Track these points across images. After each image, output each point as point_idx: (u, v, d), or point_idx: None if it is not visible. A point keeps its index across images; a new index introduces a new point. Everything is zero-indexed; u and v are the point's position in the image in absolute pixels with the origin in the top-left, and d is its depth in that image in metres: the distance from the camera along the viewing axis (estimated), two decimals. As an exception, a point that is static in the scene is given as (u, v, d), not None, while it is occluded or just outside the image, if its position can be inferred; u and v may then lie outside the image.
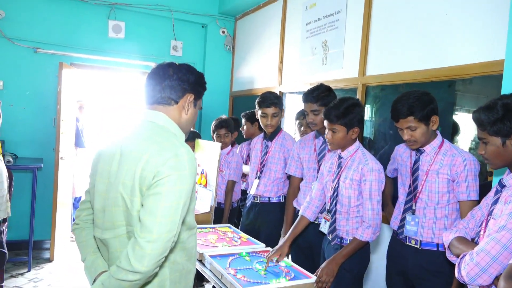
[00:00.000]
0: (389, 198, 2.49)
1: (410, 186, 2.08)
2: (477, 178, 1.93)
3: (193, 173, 1.31)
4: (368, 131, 3.27)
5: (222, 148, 3.51)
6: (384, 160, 2.94)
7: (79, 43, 4.74)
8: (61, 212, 4.38)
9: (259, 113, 3.00)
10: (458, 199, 1.96)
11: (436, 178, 1.98)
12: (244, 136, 3.77)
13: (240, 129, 3.81)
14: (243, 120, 3.73)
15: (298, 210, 2.64)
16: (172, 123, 1.42)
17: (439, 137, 2.04)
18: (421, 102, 1.92)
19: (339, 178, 2.21)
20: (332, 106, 2.13)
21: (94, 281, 1.33)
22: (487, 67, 2.26)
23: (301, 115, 3.11)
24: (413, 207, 2.05)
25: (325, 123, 2.17)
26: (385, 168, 2.31)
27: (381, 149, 3.08)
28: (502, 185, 1.51)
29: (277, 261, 2.23)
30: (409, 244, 2.04)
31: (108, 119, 6.80)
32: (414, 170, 2.07)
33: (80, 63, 4.82)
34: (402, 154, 2.19)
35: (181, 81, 1.42)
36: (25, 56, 4.48)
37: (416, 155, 2.07)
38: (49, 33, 4.58)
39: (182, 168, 1.26)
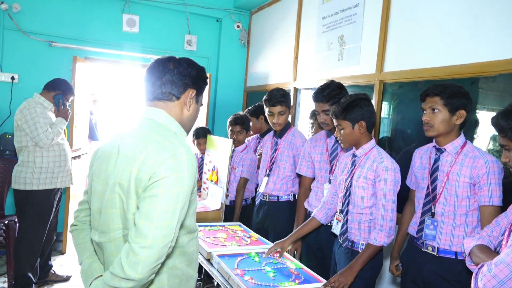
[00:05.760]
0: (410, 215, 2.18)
1: (428, 188, 1.98)
2: (500, 182, 1.81)
3: (193, 175, 1.23)
4: (385, 129, 3.16)
5: (236, 145, 3.45)
6: (407, 159, 2.83)
7: (94, 37, 4.73)
8: (75, 205, 4.39)
9: (266, 111, 2.94)
10: (479, 204, 1.85)
11: (456, 181, 1.87)
12: (251, 132, 3.68)
13: None
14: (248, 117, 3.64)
15: (309, 212, 2.56)
16: (172, 120, 1.35)
17: (462, 137, 1.93)
18: (454, 90, 1.87)
19: (352, 177, 2.13)
20: (337, 103, 2.10)
21: (90, 285, 1.29)
22: (513, 64, 2.14)
23: (314, 115, 3.02)
24: (432, 210, 1.94)
25: (334, 121, 2.13)
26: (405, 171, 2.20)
27: (398, 148, 2.97)
28: None
29: (279, 256, 2.21)
30: (426, 250, 1.95)
31: (122, 113, 6.82)
32: (433, 171, 1.97)
33: (94, 57, 4.82)
34: (422, 156, 2.09)
35: (182, 75, 1.35)
36: (40, 50, 4.49)
37: (436, 154, 1.98)
38: (63, 27, 4.58)
39: (181, 169, 1.20)
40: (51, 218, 3.41)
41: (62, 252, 4.32)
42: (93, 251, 1.41)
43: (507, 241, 1.39)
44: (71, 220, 4.33)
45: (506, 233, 1.42)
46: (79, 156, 3.97)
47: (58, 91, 3.39)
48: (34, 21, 4.44)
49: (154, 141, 1.24)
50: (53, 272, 3.61)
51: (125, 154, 1.25)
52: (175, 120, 1.36)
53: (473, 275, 1.36)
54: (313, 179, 2.67)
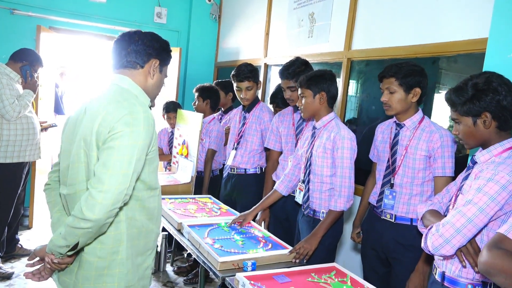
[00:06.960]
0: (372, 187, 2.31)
1: (388, 161, 2.10)
2: (453, 155, 1.95)
3: (149, 131, 1.36)
4: (352, 107, 3.27)
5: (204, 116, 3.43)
6: (372, 134, 2.95)
7: (58, 6, 4.55)
8: (40, 179, 4.31)
9: (234, 86, 2.98)
10: (433, 175, 1.99)
11: (414, 155, 2.00)
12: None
13: None
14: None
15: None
16: (136, 86, 1.48)
17: (419, 113, 2.05)
18: (409, 70, 1.96)
19: (312, 148, 2.23)
20: (304, 74, 2.22)
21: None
22: (472, 45, 2.26)
23: (273, 102, 3.16)
24: (392, 181, 2.07)
25: (298, 90, 2.22)
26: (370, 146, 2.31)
27: (364, 124, 3.09)
28: (474, 162, 1.54)
29: (240, 225, 2.34)
30: (385, 218, 2.08)
31: (89, 86, 6.64)
32: (393, 145, 2.09)
33: (59, 27, 4.64)
34: (383, 131, 2.21)
35: (146, 46, 1.48)
36: (0, 18, 4.29)
37: (396, 129, 2.09)
38: (26, -6, 4.39)
39: (137, 124, 1.33)
40: (19, 191, 3.36)
41: (28, 227, 4.26)
42: (62, 206, 1.54)
43: (453, 206, 1.52)
44: (37, 194, 4.26)
45: (453, 198, 1.56)
46: (46, 129, 3.87)
47: (26, 61, 3.27)
48: (-6, -14, 4.23)
49: (115, 101, 1.38)
50: (20, 246, 3.58)
51: (90, 113, 1.39)
52: (138, 86, 1.49)
53: (423, 235, 1.50)
54: (281, 152, 2.75)
